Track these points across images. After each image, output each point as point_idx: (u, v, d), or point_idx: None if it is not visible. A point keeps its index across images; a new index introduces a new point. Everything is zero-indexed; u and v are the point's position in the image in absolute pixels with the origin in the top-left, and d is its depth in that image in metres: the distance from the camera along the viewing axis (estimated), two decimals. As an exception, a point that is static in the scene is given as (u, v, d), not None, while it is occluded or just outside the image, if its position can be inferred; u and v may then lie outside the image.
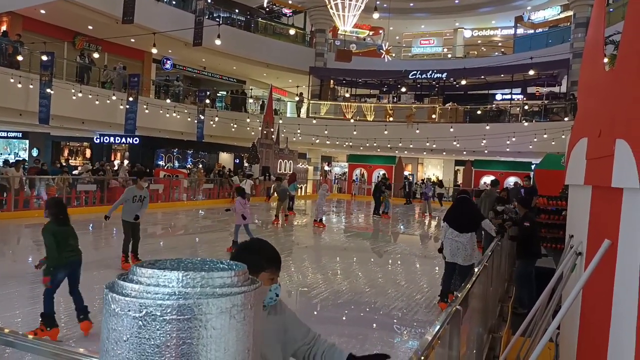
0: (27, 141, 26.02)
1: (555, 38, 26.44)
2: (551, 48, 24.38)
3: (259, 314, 1.06)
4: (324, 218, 15.39)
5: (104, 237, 12.49)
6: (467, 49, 34.11)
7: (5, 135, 26.28)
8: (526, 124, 22.39)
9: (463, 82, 23.76)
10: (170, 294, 0.97)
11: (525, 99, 26.64)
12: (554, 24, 28.88)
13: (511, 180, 24.97)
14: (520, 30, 31.53)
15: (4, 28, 18.73)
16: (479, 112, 24.99)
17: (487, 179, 28.65)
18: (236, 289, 1.03)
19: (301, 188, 26.60)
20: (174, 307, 0.95)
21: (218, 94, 27.02)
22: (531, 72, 20.95)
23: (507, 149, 22.51)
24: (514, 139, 21.54)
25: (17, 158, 21.02)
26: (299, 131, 24.34)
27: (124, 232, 8.19)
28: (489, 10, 29.86)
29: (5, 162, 16.12)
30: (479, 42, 34.84)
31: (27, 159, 22.55)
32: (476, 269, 3.84)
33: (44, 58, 15.88)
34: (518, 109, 24.87)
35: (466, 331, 3.19)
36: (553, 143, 19.52)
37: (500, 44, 33.87)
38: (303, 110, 27.47)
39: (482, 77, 26.51)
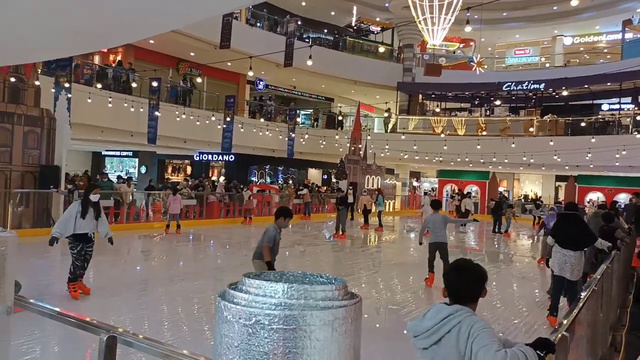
0: (136, 159, 28.52)
1: (671, 41, 23.99)
2: (667, 52, 22.17)
3: (359, 329, 1.08)
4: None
5: (203, 248, 13.25)
6: (567, 57, 31.92)
7: (119, 154, 29.05)
8: (638, 135, 20.42)
9: (564, 93, 22.27)
10: (277, 305, 1.03)
11: (636, 108, 24.33)
12: (670, 25, 26.20)
13: (622, 197, 22.83)
14: (628, 35, 28.91)
15: (119, 58, 20.84)
16: (582, 124, 23.26)
17: (593, 196, 26.47)
18: (337, 302, 1.07)
19: (388, 204, 26.38)
20: (281, 317, 1.01)
21: (303, 112, 27.89)
22: (643, 79, 19.15)
23: (617, 163, 20.62)
24: (624, 152, 19.70)
25: (127, 175, 23.03)
26: (387, 146, 24.22)
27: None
28: (592, 16, 27.75)
29: (119, 177, 17.74)
30: (581, 49, 32.48)
31: (136, 175, 24.68)
32: (583, 294, 3.56)
33: (154, 84, 17.39)
34: (628, 119, 22.77)
35: (573, 360, 2.96)
36: (672, 156, 17.61)
37: (605, 50, 31.32)
38: (391, 126, 27.34)
39: (586, 86, 24.66)
